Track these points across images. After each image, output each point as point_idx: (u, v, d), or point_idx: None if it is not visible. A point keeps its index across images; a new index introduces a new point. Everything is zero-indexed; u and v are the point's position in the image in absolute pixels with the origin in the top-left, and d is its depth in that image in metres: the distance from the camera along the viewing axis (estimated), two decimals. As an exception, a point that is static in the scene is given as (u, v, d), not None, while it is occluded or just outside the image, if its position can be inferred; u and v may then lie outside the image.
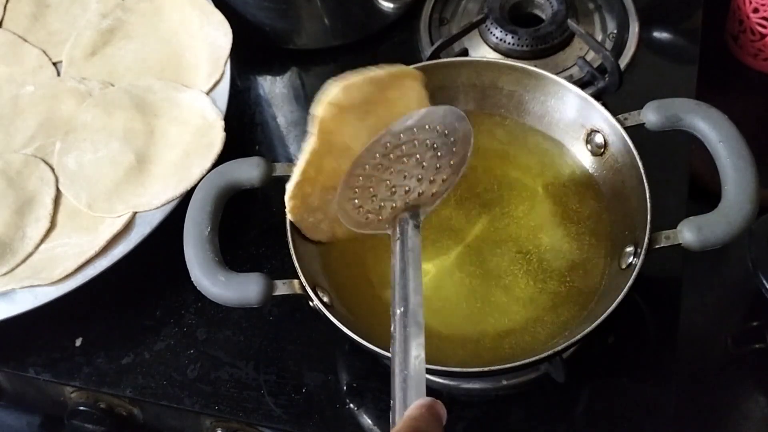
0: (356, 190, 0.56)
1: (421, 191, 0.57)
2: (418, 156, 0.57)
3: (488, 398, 0.64)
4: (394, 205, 0.57)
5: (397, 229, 0.55)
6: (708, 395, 0.68)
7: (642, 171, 0.59)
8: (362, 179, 0.56)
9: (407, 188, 0.57)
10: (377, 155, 0.56)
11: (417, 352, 0.46)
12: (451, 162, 0.58)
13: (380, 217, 0.57)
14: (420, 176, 0.57)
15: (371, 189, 0.56)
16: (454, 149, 0.57)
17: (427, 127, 0.56)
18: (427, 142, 0.56)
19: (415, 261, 0.52)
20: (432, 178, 0.57)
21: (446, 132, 0.57)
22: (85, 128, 0.77)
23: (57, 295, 0.66)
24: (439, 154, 0.57)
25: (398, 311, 0.48)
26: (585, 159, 0.66)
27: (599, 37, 0.80)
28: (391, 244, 0.55)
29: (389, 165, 0.56)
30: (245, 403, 0.65)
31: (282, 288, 0.57)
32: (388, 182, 0.56)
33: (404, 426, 0.41)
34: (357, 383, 0.65)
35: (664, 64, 0.80)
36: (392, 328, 0.48)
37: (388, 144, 0.56)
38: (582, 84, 0.74)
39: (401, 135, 0.56)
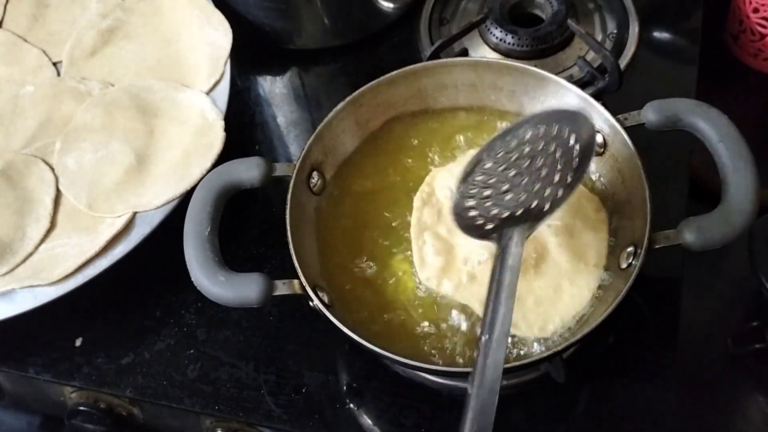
0: (473, 185, 0.55)
1: (531, 204, 0.53)
2: (540, 160, 0.53)
3: (488, 398, 0.64)
4: (503, 213, 0.54)
5: (500, 243, 0.52)
6: (708, 395, 0.67)
7: (642, 171, 0.59)
8: (481, 175, 0.55)
9: (520, 196, 0.54)
10: (500, 151, 0.54)
11: (492, 383, 0.45)
12: (568, 178, 0.53)
13: (488, 222, 0.54)
14: (535, 185, 0.54)
15: (486, 187, 0.55)
16: (574, 163, 0.53)
17: (554, 133, 0.53)
18: (551, 149, 0.53)
19: (510, 283, 0.49)
20: (546, 192, 0.53)
21: (571, 142, 0.53)
22: (85, 128, 0.77)
23: (57, 295, 0.66)
24: (559, 166, 0.53)
25: (483, 339, 0.46)
26: (585, 159, 0.66)
27: (599, 37, 0.80)
28: (493, 260, 0.52)
29: (508, 165, 0.54)
30: (245, 403, 0.65)
31: (282, 288, 0.57)
32: (502, 183, 0.54)
33: None
34: (357, 383, 0.65)
35: (664, 64, 0.80)
36: (476, 353, 0.47)
37: (513, 141, 0.54)
38: (582, 84, 0.74)
39: (528, 134, 0.53)
